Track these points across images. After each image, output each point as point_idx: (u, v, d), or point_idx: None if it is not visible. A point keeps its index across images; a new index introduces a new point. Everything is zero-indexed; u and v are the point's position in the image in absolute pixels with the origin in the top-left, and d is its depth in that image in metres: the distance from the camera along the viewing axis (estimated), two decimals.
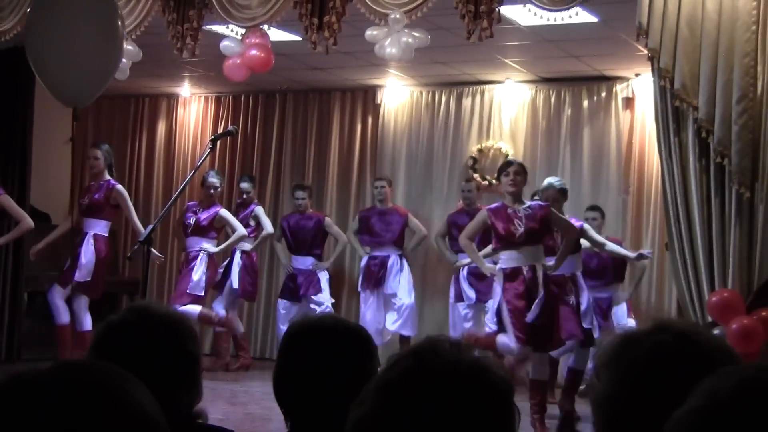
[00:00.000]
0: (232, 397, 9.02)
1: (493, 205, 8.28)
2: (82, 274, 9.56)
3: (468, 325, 10.52)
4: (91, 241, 9.64)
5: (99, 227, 9.76)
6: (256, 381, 9.94)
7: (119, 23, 7.28)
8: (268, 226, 11.33)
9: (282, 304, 11.33)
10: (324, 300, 11.15)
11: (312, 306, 11.00)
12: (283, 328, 10.97)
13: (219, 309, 11.04)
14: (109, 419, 1.24)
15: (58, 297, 9.64)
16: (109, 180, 9.73)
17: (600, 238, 9.01)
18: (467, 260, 10.02)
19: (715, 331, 6.76)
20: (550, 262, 8.22)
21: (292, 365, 2.59)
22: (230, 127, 8.90)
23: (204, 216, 10.85)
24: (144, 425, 1.28)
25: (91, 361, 1.42)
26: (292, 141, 12.90)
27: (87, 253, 9.63)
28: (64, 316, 9.64)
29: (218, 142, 8.11)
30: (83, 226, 9.75)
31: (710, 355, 1.59)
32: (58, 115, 10.55)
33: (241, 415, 7.99)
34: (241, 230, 10.87)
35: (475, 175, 11.44)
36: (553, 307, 8.03)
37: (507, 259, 8.11)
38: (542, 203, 8.27)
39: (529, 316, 7.90)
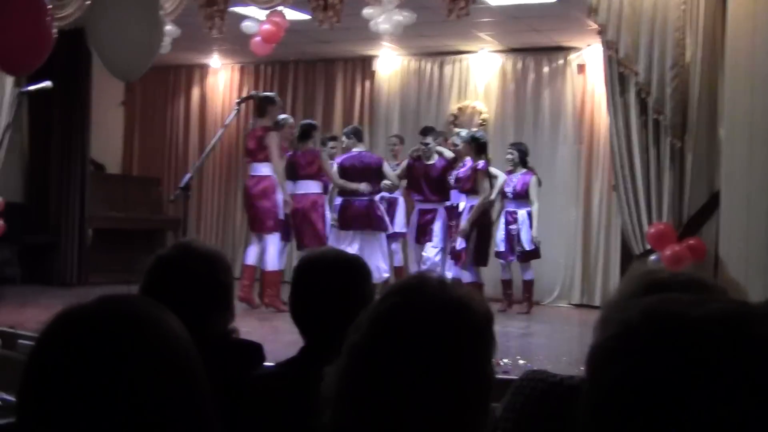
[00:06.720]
0: (259, 314, 9.04)
1: None
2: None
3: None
4: None
5: None
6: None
7: (160, 13, 7.26)
8: None
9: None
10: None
11: None
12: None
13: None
14: (147, 340, 1.25)
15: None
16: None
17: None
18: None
19: (652, 257, 6.82)
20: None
21: (304, 292, 2.57)
22: (252, 92, 8.87)
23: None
24: (175, 343, 1.29)
25: (126, 294, 1.41)
26: (303, 103, 12.80)
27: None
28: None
29: (242, 105, 8.05)
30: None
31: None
32: (112, 84, 10.53)
33: (268, 329, 8.02)
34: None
35: (456, 129, 11.40)
36: None
37: None
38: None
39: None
